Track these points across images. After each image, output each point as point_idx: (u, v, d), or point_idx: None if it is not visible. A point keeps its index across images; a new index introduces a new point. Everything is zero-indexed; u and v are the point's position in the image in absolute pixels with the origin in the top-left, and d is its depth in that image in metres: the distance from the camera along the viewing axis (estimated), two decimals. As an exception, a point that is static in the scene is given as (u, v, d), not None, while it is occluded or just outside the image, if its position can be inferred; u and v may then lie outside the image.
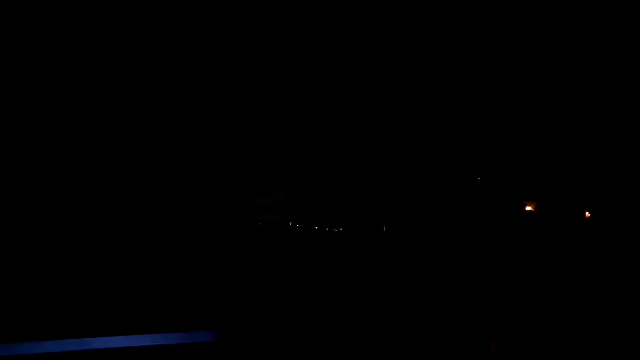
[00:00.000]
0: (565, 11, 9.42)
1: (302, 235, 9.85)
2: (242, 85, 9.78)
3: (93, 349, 6.90)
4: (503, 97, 9.80)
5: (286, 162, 9.95)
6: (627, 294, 8.00)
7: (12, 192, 8.94)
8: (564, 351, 7.45)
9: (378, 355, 7.78)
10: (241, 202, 9.77)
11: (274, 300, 8.30)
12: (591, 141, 9.59)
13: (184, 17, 9.65)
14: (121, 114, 9.62)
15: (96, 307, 7.53)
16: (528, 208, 9.51)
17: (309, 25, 9.62)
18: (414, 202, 9.91)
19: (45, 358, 6.79)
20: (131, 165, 9.55)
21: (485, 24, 9.61)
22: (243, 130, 9.88)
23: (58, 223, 8.76)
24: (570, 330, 7.67)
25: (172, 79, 9.65)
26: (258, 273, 8.75)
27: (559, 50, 9.57)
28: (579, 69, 9.54)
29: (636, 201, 9.18)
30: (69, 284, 7.80)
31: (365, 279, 8.82)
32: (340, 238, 9.87)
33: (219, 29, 9.67)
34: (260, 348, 7.72)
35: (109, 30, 9.53)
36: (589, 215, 9.39)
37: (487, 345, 7.61)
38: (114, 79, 9.63)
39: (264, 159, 9.90)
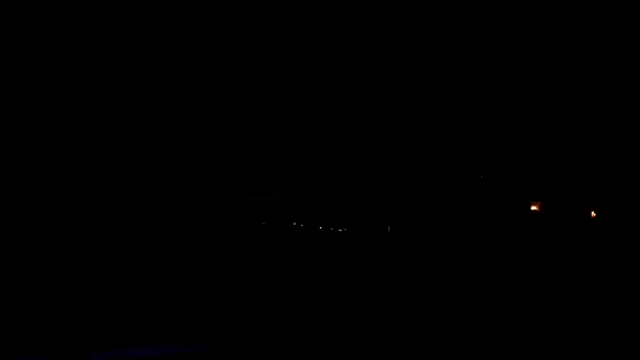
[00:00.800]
0: (567, 11, 9.39)
1: (303, 236, 9.83)
2: (245, 85, 9.76)
3: None
4: (504, 97, 9.78)
5: (288, 161, 9.94)
6: (627, 294, 8.00)
7: (12, 192, 8.94)
8: (564, 351, 7.44)
9: (378, 355, 7.77)
10: (242, 202, 9.76)
11: (275, 302, 8.28)
12: (595, 140, 9.57)
13: (184, 17, 9.64)
14: (121, 114, 9.61)
15: (89, 315, 7.45)
16: (533, 208, 9.49)
17: (311, 25, 9.61)
18: (415, 202, 9.90)
19: None
20: (132, 165, 9.54)
21: (489, 24, 9.59)
22: (245, 130, 9.86)
23: (57, 224, 8.75)
24: (570, 330, 7.66)
25: (174, 79, 9.63)
26: (257, 274, 8.73)
27: (562, 50, 9.55)
28: (583, 67, 9.51)
29: (636, 202, 9.16)
30: (62, 289, 7.71)
31: (365, 279, 8.81)
32: (341, 238, 9.86)
33: (219, 29, 9.66)
34: (259, 348, 7.70)
35: (109, 31, 9.53)
36: (592, 215, 9.37)
37: (487, 345, 7.61)
38: (114, 79, 9.62)
39: (266, 159, 9.89)
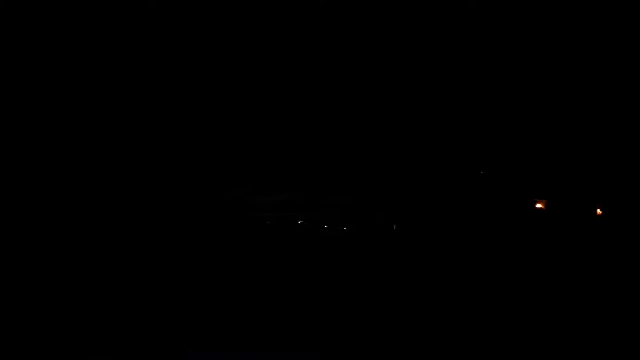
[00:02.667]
0: (566, 5, 9.36)
1: (306, 235, 9.82)
2: (251, 85, 9.76)
3: None
4: (503, 93, 9.76)
5: (298, 161, 9.93)
6: (627, 293, 8.01)
7: (12, 192, 8.95)
8: (563, 351, 7.47)
9: (378, 355, 7.78)
10: (251, 201, 9.74)
11: (280, 302, 8.26)
12: (590, 136, 9.55)
13: (184, 15, 9.65)
14: (124, 113, 9.61)
15: (92, 322, 7.34)
16: (538, 205, 9.49)
17: (312, 23, 9.61)
18: (416, 200, 9.90)
19: None
20: (138, 164, 9.53)
21: (487, 20, 9.58)
22: (255, 129, 9.85)
23: (56, 224, 8.74)
24: (570, 330, 7.68)
25: (181, 76, 9.62)
26: (264, 274, 8.70)
27: (564, 44, 9.51)
28: (587, 62, 9.48)
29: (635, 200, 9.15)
30: (60, 296, 7.58)
31: (364, 279, 8.82)
32: (339, 238, 9.85)
33: (220, 26, 9.66)
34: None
35: (109, 30, 9.54)
36: (599, 212, 9.36)
37: (488, 343, 7.62)
38: (113, 77, 9.63)
39: (276, 158, 9.87)
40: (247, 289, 8.39)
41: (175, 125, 9.58)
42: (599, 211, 9.27)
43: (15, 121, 9.14)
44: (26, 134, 9.17)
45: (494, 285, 8.49)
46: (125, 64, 9.51)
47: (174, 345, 7.27)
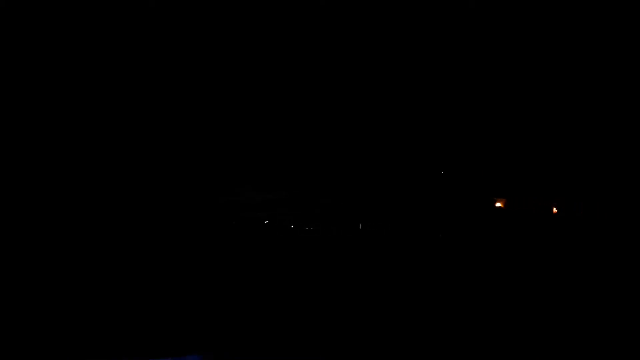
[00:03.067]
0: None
1: (299, 236, 9.82)
2: (247, 87, 9.77)
3: None
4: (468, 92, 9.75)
5: (289, 161, 9.94)
6: (625, 293, 8.04)
7: (12, 192, 8.95)
8: (563, 351, 7.49)
9: (378, 355, 7.80)
10: (240, 200, 9.74)
11: (271, 305, 8.25)
12: (559, 133, 9.55)
13: (182, 16, 9.66)
14: (120, 114, 9.62)
15: (91, 323, 7.31)
16: (498, 204, 9.49)
17: (310, 25, 9.62)
18: (389, 199, 9.87)
19: None
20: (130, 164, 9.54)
21: (465, 22, 9.60)
22: (246, 127, 9.85)
23: (55, 226, 8.74)
24: (569, 329, 7.71)
25: (176, 77, 9.63)
26: (253, 275, 8.68)
27: (524, 44, 9.52)
28: (550, 62, 9.50)
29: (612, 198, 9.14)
30: (60, 297, 7.54)
31: (362, 279, 8.83)
32: (325, 239, 9.83)
33: (219, 27, 9.68)
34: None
35: (108, 30, 9.55)
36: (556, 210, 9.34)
37: (485, 343, 7.64)
38: (111, 78, 9.63)
39: (268, 157, 9.88)
40: (242, 289, 8.40)
41: (165, 128, 9.60)
42: (554, 209, 9.28)
43: (15, 121, 9.15)
44: (26, 135, 9.17)
45: (467, 283, 8.50)
46: (123, 65, 9.52)
47: (172, 346, 7.28)
